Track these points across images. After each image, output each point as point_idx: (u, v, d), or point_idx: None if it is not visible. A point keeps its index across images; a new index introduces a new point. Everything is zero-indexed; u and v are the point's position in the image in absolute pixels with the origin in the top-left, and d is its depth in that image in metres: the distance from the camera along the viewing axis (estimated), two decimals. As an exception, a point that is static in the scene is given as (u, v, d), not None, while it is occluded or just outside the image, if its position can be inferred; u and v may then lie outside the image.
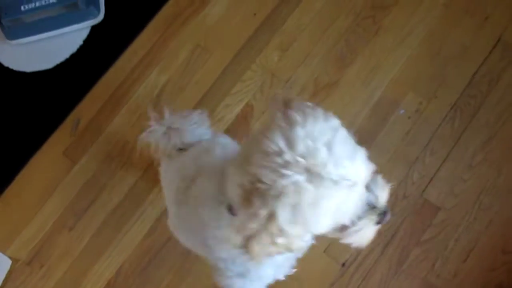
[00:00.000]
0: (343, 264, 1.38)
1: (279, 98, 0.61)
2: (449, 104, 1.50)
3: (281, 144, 0.55)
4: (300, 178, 0.53)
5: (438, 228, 1.40)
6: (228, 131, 1.52)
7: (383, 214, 0.66)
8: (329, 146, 0.56)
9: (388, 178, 1.44)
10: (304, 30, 1.62)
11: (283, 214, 0.55)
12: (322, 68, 1.58)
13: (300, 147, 0.55)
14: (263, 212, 0.55)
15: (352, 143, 0.60)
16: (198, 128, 1.15)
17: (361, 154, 0.61)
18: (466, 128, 1.48)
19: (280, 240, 0.56)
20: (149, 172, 1.48)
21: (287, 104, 0.59)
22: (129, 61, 1.62)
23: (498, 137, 1.47)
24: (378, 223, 0.66)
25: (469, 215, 1.41)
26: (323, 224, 0.59)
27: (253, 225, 0.56)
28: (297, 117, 0.56)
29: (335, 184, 0.55)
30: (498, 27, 1.57)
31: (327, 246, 1.38)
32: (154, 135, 1.13)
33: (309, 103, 0.61)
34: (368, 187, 0.64)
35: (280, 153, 0.55)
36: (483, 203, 1.42)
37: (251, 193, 0.55)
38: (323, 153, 0.55)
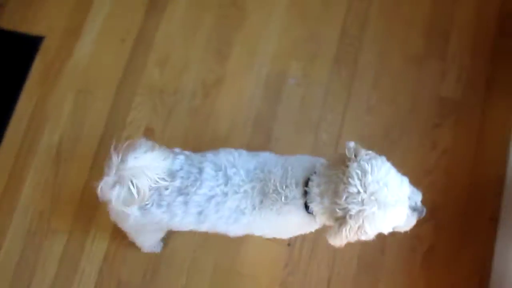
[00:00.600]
0: (289, 244, 1.40)
1: (350, 147, 0.93)
2: (331, 59, 1.55)
3: (361, 188, 0.89)
4: (374, 208, 0.89)
5: (362, 176, 1.44)
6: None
7: (421, 211, 0.98)
8: (387, 184, 0.89)
9: (300, 148, 1.47)
10: (175, 38, 1.62)
11: (367, 225, 0.90)
12: (204, 68, 1.58)
13: (372, 189, 0.88)
14: (356, 225, 0.90)
15: (398, 175, 0.93)
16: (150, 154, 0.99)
17: (405, 180, 0.94)
18: (353, 75, 1.53)
19: (362, 237, 0.92)
20: (75, 232, 1.44)
21: (356, 155, 0.92)
22: (16, 132, 1.56)
23: (383, 73, 1.53)
24: (418, 216, 0.98)
25: (383, 153, 1.45)
26: (387, 227, 0.94)
27: (350, 234, 0.92)
28: (367, 166, 0.89)
29: (394, 206, 0.89)
30: (349, -27, 1.62)
31: (268, 233, 1.39)
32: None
33: (370, 152, 0.93)
34: (409, 197, 0.95)
35: (359, 193, 0.88)
36: (392, 137, 1.48)
37: (344, 217, 0.90)
38: (384, 190, 0.88)
